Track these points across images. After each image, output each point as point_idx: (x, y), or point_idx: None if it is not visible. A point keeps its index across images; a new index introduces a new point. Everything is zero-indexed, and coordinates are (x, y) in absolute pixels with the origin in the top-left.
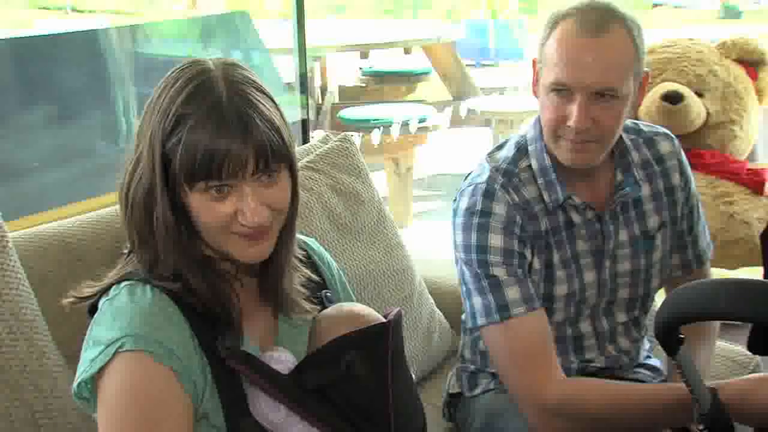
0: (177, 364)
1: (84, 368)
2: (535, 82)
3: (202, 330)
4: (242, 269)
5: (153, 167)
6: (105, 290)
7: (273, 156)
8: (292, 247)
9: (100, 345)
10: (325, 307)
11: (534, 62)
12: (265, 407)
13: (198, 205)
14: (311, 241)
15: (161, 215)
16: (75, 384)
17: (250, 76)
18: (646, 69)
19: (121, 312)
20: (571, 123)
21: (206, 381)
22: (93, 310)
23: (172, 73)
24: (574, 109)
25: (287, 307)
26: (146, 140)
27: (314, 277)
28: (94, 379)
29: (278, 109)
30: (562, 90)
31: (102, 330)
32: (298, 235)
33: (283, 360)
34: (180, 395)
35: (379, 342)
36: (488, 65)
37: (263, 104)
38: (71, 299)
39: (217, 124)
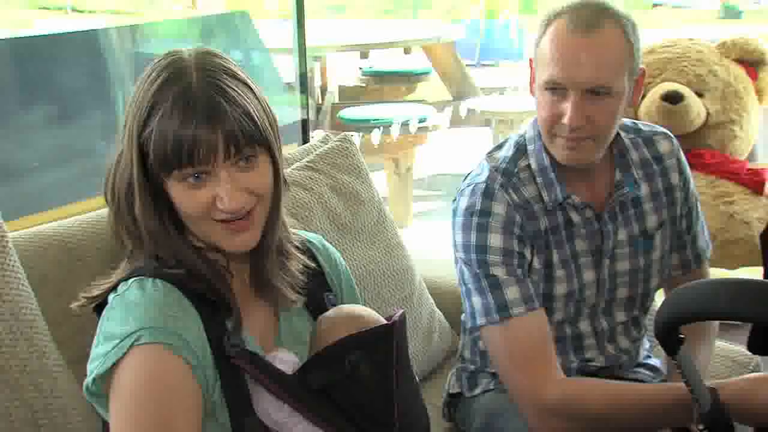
0: (192, 355)
1: (98, 363)
2: (533, 81)
3: (211, 325)
4: (233, 260)
5: (131, 160)
6: (113, 287)
7: (244, 142)
8: (278, 232)
9: (114, 339)
10: (326, 310)
11: (531, 62)
12: (268, 406)
13: (177, 194)
14: (317, 238)
15: (140, 208)
16: (89, 379)
17: (224, 63)
18: (642, 66)
19: (134, 305)
20: (565, 121)
21: (216, 375)
22: (98, 308)
23: (149, 65)
24: (567, 107)
25: (273, 294)
26: (126, 135)
27: (311, 264)
28: (107, 374)
29: (255, 95)
30: (556, 88)
31: (115, 324)
32: (303, 232)
33: (286, 360)
34: (194, 387)
35: (384, 343)
36: (488, 65)
37: (235, 90)
38: (81, 302)
39: (185, 111)
